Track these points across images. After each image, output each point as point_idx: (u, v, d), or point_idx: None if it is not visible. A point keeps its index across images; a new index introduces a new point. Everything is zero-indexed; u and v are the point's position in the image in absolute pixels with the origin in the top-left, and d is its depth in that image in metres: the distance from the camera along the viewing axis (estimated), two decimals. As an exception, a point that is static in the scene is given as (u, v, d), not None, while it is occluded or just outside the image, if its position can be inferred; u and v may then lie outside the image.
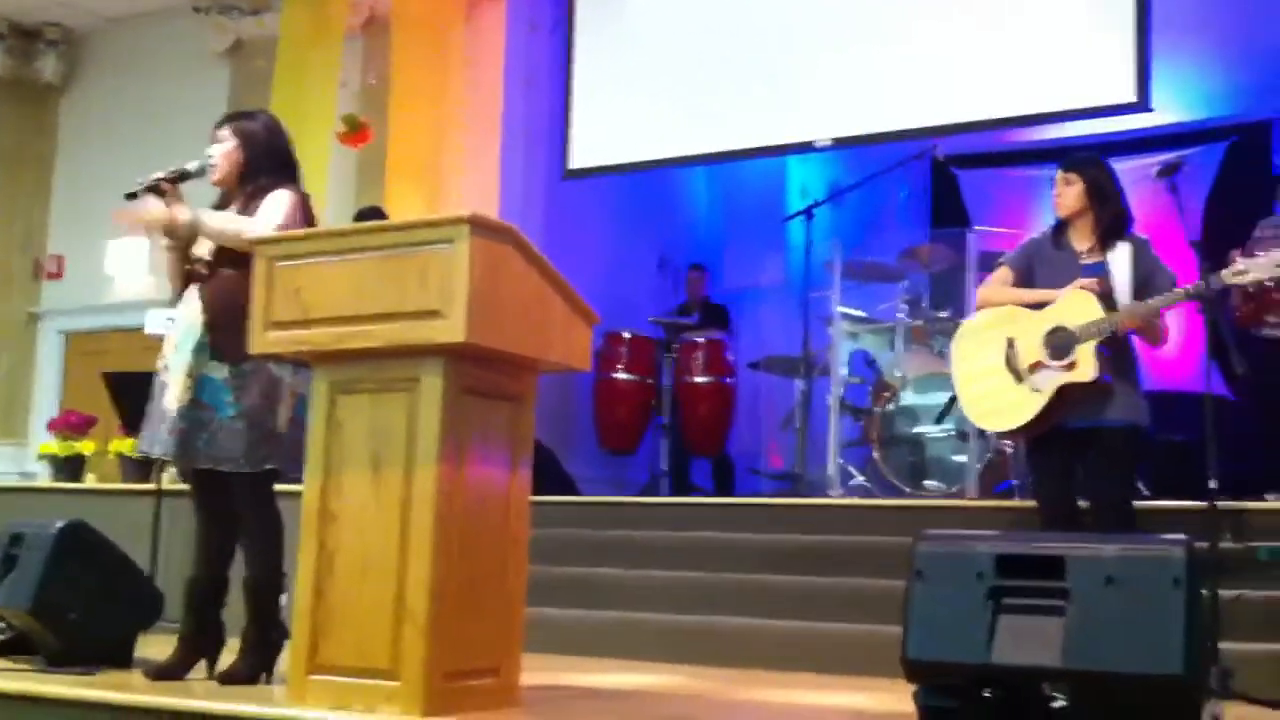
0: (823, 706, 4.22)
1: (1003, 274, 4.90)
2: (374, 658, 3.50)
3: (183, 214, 4.21)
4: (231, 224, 4.18)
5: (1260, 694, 3.96)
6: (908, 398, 6.92)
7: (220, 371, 4.13)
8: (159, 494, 6.28)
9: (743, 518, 6.18)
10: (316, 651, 3.60)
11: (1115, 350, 4.56)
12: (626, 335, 8.26)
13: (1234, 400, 6.44)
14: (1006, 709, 3.22)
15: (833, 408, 7.07)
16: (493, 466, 3.72)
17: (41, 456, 8.21)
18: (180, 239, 4.28)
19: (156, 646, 4.54)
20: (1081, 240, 4.75)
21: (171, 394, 4.15)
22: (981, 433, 6.22)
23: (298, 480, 3.81)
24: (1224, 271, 4.40)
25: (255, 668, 4.11)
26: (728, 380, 8.32)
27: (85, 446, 7.80)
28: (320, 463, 3.70)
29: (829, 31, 7.71)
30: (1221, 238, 6.20)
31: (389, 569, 3.52)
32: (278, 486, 4.24)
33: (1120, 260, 4.65)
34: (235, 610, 4.24)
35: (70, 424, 7.94)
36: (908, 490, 6.70)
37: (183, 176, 4.31)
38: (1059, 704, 3.23)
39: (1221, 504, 4.43)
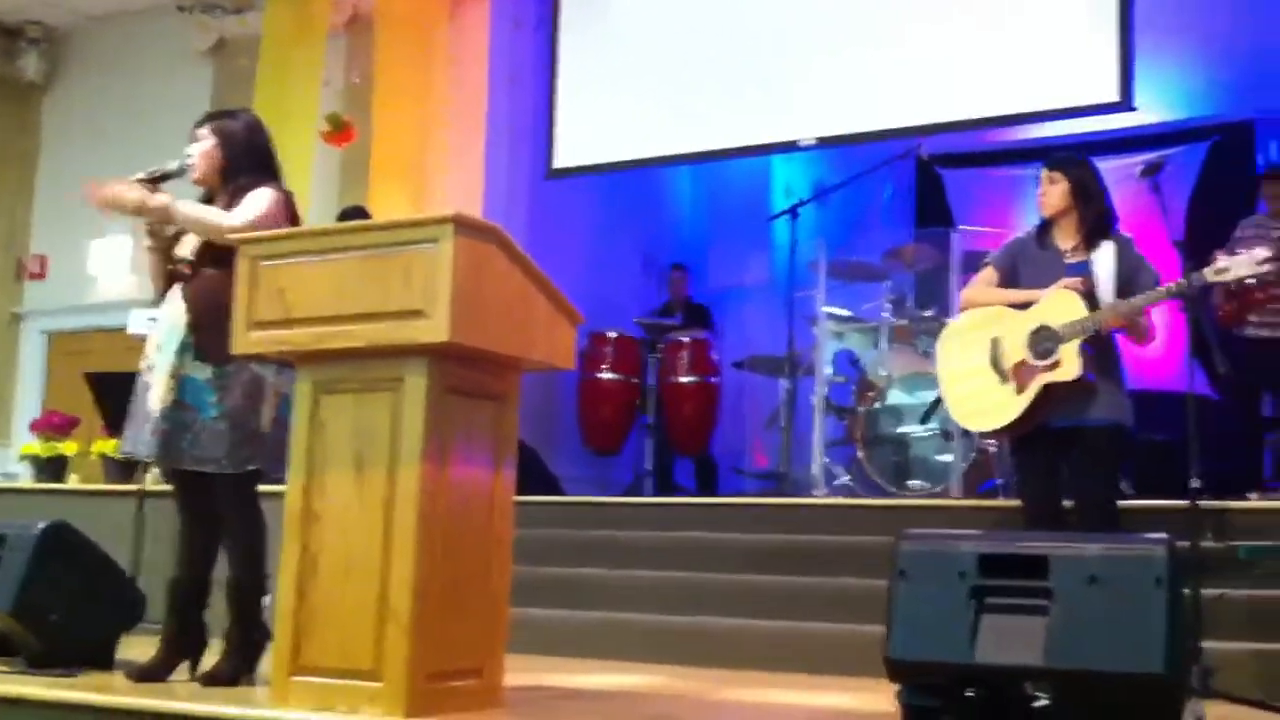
0: (807, 706, 4.22)
1: (987, 274, 4.91)
2: (357, 659, 3.49)
3: (154, 200, 4.18)
4: (206, 215, 4.16)
5: (1242, 693, 3.97)
6: (892, 397, 6.93)
7: (203, 372, 4.12)
8: (141, 495, 6.26)
9: (727, 517, 6.18)
10: (299, 652, 3.59)
11: (1099, 349, 4.56)
12: (611, 335, 8.25)
13: (1217, 399, 6.46)
14: (989, 708, 3.23)
15: (817, 407, 7.08)
16: (476, 466, 3.72)
17: (24, 457, 8.18)
18: (160, 235, 4.27)
19: (139, 648, 4.52)
20: (1066, 239, 4.76)
21: (155, 394, 4.13)
22: (965, 432, 6.23)
23: (281, 480, 3.80)
24: (1206, 269, 4.42)
25: (238, 669, 4.10)
26: (712, 380, 8.32)
27: (68, 447, 7.77)
28: (303, 463, 3.69)
29: (814, 31, 7.71)
30: (1204, 237, 6.23)
31: (372, 569, 3.51)
32: (261, 487, 4.23)
33: (1104, 259, 4.65)
34: (218, 611, 4.23)
35: (53, 425, 7.91)
36: (892, 490, 6.71)
37: (163, 177, 4.29)
38: (1041, 703, 3.24)
39: (1204, 503, 4.45)
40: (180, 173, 4.32)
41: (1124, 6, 6.79)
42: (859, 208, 9.01)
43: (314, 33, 8.67)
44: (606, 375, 8.22)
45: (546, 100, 8.57)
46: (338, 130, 8.32)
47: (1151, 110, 7.98)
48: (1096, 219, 4.73)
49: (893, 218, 9.13)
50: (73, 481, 7.71)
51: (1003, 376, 4.66)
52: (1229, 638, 4.47)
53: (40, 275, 10.61)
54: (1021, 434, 4.71)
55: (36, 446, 7.86)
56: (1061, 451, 4.62)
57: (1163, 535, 3.21)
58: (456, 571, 3.61)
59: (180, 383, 4.12)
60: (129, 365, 4.50)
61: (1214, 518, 4.89)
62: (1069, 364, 4.50)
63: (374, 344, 3.56)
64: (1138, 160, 6.37)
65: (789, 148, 8.09)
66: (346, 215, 7.21)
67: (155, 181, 4.26)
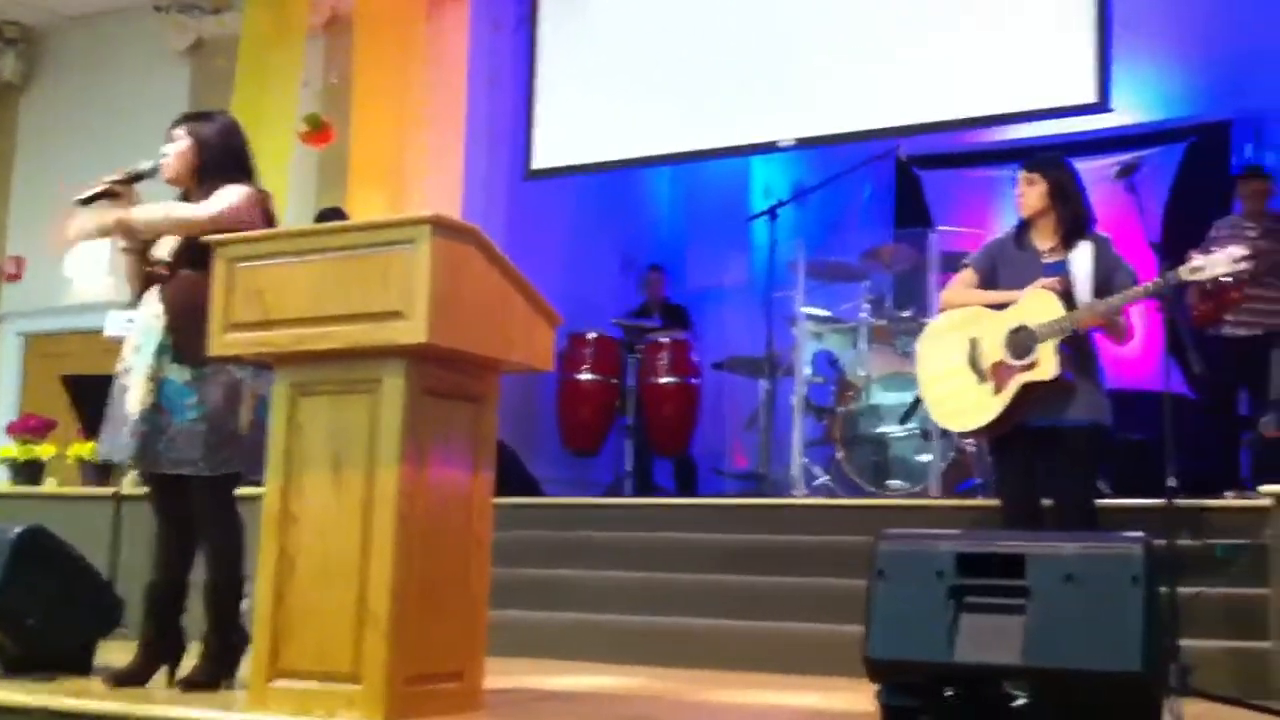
0: (786, 706, 4.23)
1: (966, 275, 4.93)
2: (335, 662, 3.48)
3: (109, 217, 4.18)
4: (171, 210, 4.15)
5: (1219, 690, 4.00)
6: (871, 397, 6.94)
7: (181, 374, 4.10)
8: (119, 498, 6.23)
9: (707, 518, 6.19)
10: (277, 656, 3.59)
11: (1076, 348, 4.58)
12: (591, 336, 8.25)
13: (1194, 399, 6.49)
14: (968, 707, 3.24)
15: (796, 408, 7.09)
16: (455, 468, 3.72)
17: (-1, 460, 8.13)
18: (135, 236, 4.26)
19: (117, 652, 4.50)
20: (1044, 240, 4.78)
21: (132, 397, 4.12)
22: (944, 432, 6.24)
23: (259, 483, 3.79)
24: (1181, 268, 4.43)
25: (216, 673, 4.08)
26: (692, 381, 8.32)
27: (44, 450, 7.72)
28: (281, 465, 3.69)
29: (793, 32, 7.72)
30: (1181, 237, 6.24)
31: (350, 572, 3.51)
32: (239, 489, 4.21)
33: (1082, 259, 4.67)
34: (196, 615, 4.21)
35: (29, 427, 7.85)
36: (871, 490, 6.72)
37: (136, 177, 4.29)
38: (1020, 702, 3.25)
39: (1180, 502, 4.47)
40: (154, 172, 4.31)
41: (1101, 8, 6.83)
42: (838, 208, 9.03)
43: (292, 33, 8.64)
44: (586, 376, 8.22)
45: (525, 101, 8.56)
46: (316, 131, 8.29)
47: (1128, 111, 8.02)
48: (1074, 220, 4.74)
49: (871, 218, 9.14)
50: (49, 485, 7.66)
51: (981, 377, 4.68)
52: (1206, 636, 4.50)
53: (16, 276, 10.54)
54: (1000, 434, 4.72)
55: (13, 449, 7.80)
56: (1040, 451, 4.64)
57: (1139, 534, 3.22)
58: (435, 573, 3.61)
59: (158, 385, 4.10)
60: (106, 367, 4.48)
61: (1191, 517, 4.91)
62: (1046, 364, 4.52)
63: (352, 345, 3.55)
64: (1115, 161, 6.38)
65: (768, 148, 8.10)
66: (324, 217, 7.19)
67: (129, 181, 4.26)
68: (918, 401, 6.09)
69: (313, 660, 3.52)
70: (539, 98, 8.50)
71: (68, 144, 9.98)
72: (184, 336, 4.08)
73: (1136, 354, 7.14)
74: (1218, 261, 4.37)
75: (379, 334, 3.51)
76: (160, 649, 4.20)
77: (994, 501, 5.06)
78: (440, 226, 3.51)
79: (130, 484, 6.07)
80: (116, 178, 4.26)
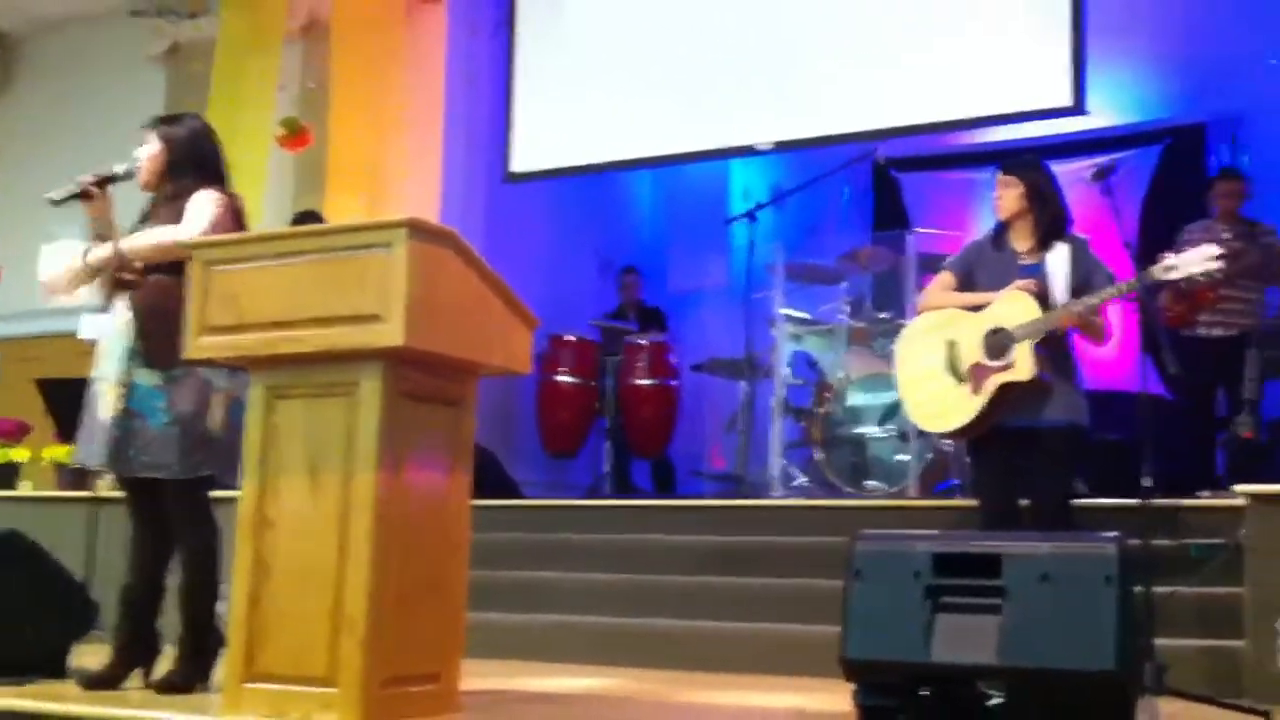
0: (764, 707, 4.23)
1: (944, 278, 4.95)
2: (311, 665, 3.47)
3: (103, 253, 4.16)
4: (160, 237, 4.12)
5: (1194, 689, 4.01)
6: (849, 399, 6.95)
7: (152, 378, 4.09)
8: (94, 502, 6.20)
9: (686, 520, 6.19)
10: (253, 660, 3.57)
11: (1053, 349, 4.60)
12: (569, 338, 8.25)
13: (1171, 399, 6.52)
14: (944, 707, 3.25)
15: (775, 409, 7.10)
16: (432, 471, 3.71)
17: (-26, 464, 8.08)
18: (107, 239, 4.25)
19: (92, 656, 4.48)
20: (1021, 242, 4.80)
21: (104, 402, 4.11)
22: (922, 432, 6.26)
23: (234, 486, 3.78)
24: (1154, 268, 4.45)
25: (191, 676, 4.07)
26: (671, 383, 8.33)
27: (19, 454, 7.69)
28: (257, 468, 3.68)
29: (771, 36, 7.73)
30: (1156, 239, 6.29)
31: (326, 576, 3.50)
32: (215, 493, 4.20)
33: (1059, 261, 4.69)
34: (172, 618, 4.20)
35: (4, 431, 7.82)
36: (850, 491, 6.73)
37: (110, 179, 4.28)
38: (995, 701, 3.26)
39: (1156, 502, 4.49)
40: (128, 176, 4.31)
41: (1076, 12, 6.86)
42: (816, 211, 9.03)
43: (269, 37, 8.62)
44: (565, 378, 8.23)
45: (504, 104, 8.56)
46: (293, 135, 8.26)
47: (1104, 114, 8.05)
48: (1051, 221, 4.76)
49: (850, 221, 9.16)
50: (24, 488, 7.64)
51: (959, 378, 4.70)
52: (1181, 635, 4.52)
53: (-9, 280, 10.48)
54: (978, 435, 4.74)
55: (-12, 453, 7.78)
56: (1017, 451, 4.65)
57: (1113, 533, 3.24)
58: (412, 577, 3.60)
59: (129, 390, 4.09)
60: (81, 371, 4.47)
61: (1167, 516, 4.93)
62: (1023, 364, 4.54)
63: (328, 349, 3.54)
64: (1091, 163, 6.41)
65: (746, 152, 8.11)
66: (299, 220, 7.18)
67: (102, 183, 4.25)
68: (897, 404, 6.11)
69: (288, 663, 3.51)
70: (517, 101, 8.50)
71: (43, 149, 9.94)
72: (153, 341, 4.07)
73: (1114, 355, 7.18)
74: (1191, 261, 4.39)
75: (356, 337, 3.50)
76: (135, 652, 4.19)
77: (972, 502, 5.08)
78: (417, 229, 3.50)
79: (106, 487, 6.05)
80: (89, 179, 4.24)
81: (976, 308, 4.73)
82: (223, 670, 3.73)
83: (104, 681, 4.09)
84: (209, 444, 4.09)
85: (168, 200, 4.24)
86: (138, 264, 4.19)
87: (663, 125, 8.01)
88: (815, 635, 4.81)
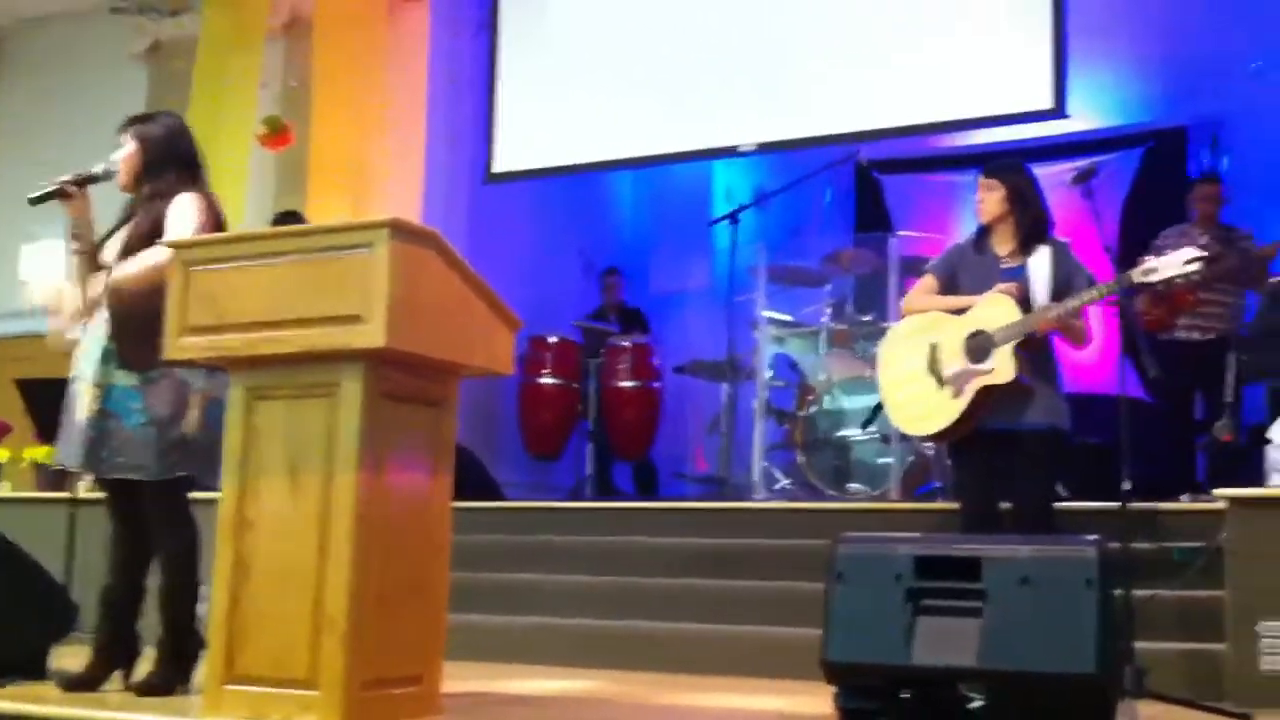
0: (746, 709, 4.23)
1: (927, 282, 4.96)
2: (292, 667, 3.46)
3: (97, 289, 4.13)
4: (151, 258, 4.07)
5: (1174, 692, 4.03)
6: (832, 401, 6.96)
7: (128, 379, 4.07)
8: (74, 503, 6.18)
9: (668, 522, 6.19)
10: (233, 661, 3.56)
11: (1033, 352, 4.61)
12: (552, 340, 8.25)
13: (1151, 403, 6.54)
14: (924, 709, 3.25)
15: (757, 411, 7.10)
16: (414, 472, 3.70)
17: (-46, 464, 8.04)
18: (85, 239, 4.25)
19: (71, 657, 4.46)
20: (1003, 245, 4.81)
21: (82, 404, 4.10)
22: (904, 435, 6.26)
23: (214, 487, 3.76)
24: (1133, 271, 4.46)
25: (171, 678, 4.05)
26: (653, 385, 8.33)
27: (-1, 454, 7.67)
28: (237, 470, 3.66)
29: (753, 37, 7.74)
30: (1137, 243, 6.31)
31: (307, 577, 3.48)
32: (195, 494, 4.18)
33: (1040, 264, 4.71)
34: (152, 620, 4.18)
35: (-15, 431, 7.79)
36: (832, 493, 6.74)
37: (88, 180, 4.27)
38: (976, 704, 3.27)
39: (1136, 505, 4.50)
40: (107, 177, 4.30)
41: (1058, 15, 6.88)
42: (799, 213, 9.05)
43: (251, 35, 8.59)
44: (547, 380, 8.22)
45: (486, 105, 8.55)
46: (275, 133, 8.23)
47: (1086, 117, 8.08)
48: (1033, 225, 4.78)
49: (832, 223, 9.17)
50: (4, 489, 7.60)
51: (940, 381, 4.70)
52: (1161, 638, 4.54)
53: (-29, 279, 10.43)
54: (959, 437, 4.75)
55: (-32, 454, 7.75)
56: (998, 454, 4.66)
57: (1093, 537, 3.25)
58: (393, 578, 3.59)
59: (105, 391, 4.07)
60: (61, 371, 4.45)
61: (1147, 520, 4.95)
62: (1003, 367, 4.55)
63: (309, 349, 3.53)
64: (1072, 167, 6.43)
65: (729, 153, 8.12)
66: (280, 220, 7.16)
67: (81, 183, 4.24)
68: (879, 407, 6.11)
69: (269, 665, 3.50)
70: (500, 101, 8.49)
71: (25, 147, 9.88)
72: (129, 342, 4.06)
73: (1094, 359, 7.20)
74: (1170, 263, 4.40)
75: (337, 338, 3.49)
76: (115, 653, 4.17)
77: (953, 505, 5.09)
78: (399, 230, 3.49)
79: (86, 488, 6.02)
80: (69, 179, 4.23)
81: (959, 311, 4.74)
82: (203, 672, 3.71)
83: (84, 683, 4.07)
84: (186, 445, 4.07)
85: (146, 200, 4.23)
86: (103, 249, 4.19)
87: (645, 126, 8.01)
88: (797, 638, 4.81)
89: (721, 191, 9.73)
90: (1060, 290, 4.64)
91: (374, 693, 3.49)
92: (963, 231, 5.26)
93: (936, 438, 5.10)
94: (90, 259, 4.25)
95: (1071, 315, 4.59)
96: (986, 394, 4.58)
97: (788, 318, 7.54)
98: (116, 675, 4.15)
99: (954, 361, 4.67)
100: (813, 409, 6.99)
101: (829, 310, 7.38)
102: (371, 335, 3.43)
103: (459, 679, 4.06)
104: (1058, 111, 6.95)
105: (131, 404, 4.06)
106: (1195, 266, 4.37)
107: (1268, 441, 4.68)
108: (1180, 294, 6.18)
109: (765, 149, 7.85)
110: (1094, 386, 7.42)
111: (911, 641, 3.24)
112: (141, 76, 9.61)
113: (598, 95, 8.16)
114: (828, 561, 3.41)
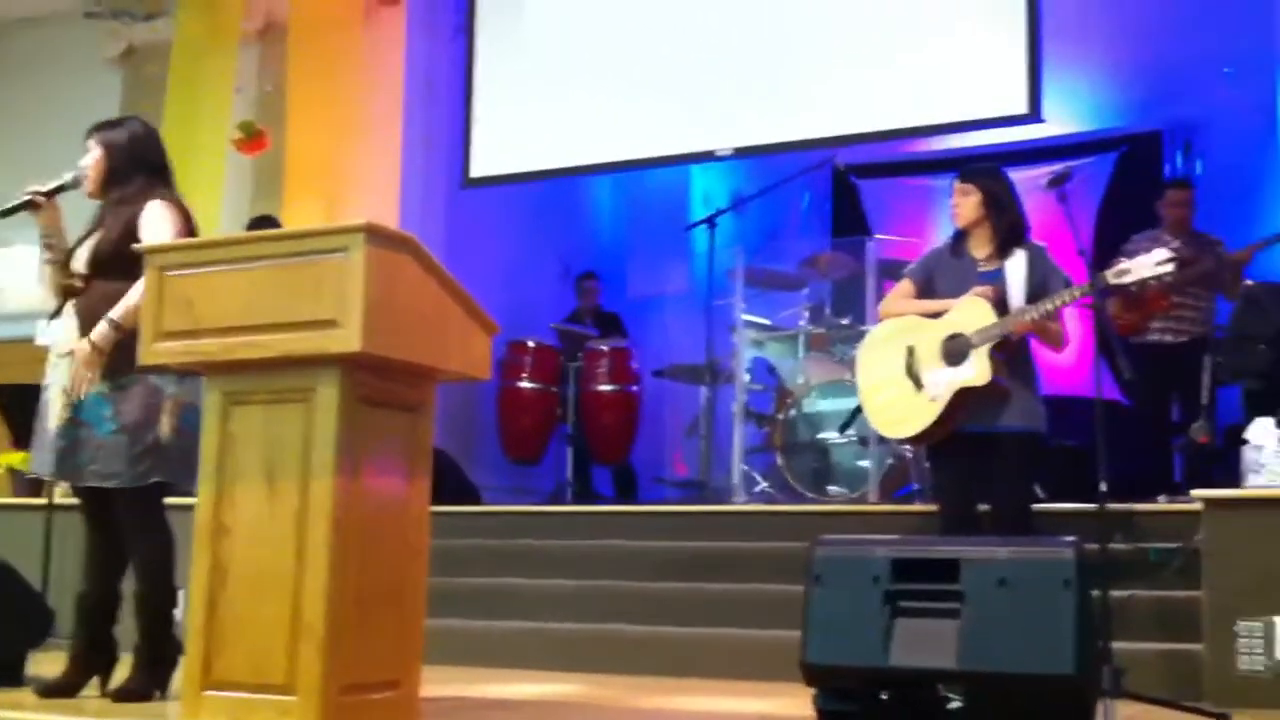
0: (726, 712, 4.24)
1: (904, 286, 4.98)
2: (269, 673, 3.45)
3: (107, 336, 4.03)
4: (133, 299, 3.99)
5: (1152, 692, 4.04)
6: (810, 404, 6.98)
7: (98, 387, 4.04)
8: (50, 509, 6.14)
9: (647, 526, 6.19)
10: (210, 667, 3.55)
11: (1010, 354, 4.63)
12: (530, 344, 8.23)
13: (1127, 405, 6.57)
14: (903, 711, 3.26)
15: (736, 415, 7.10)
16: (390, 477, 3.69)
17: (-71, 471, 7.98)
18: (57, 247, 4.25)
19: (48, 664, 4.44)
20: (980, 249, 4.83)
21: (53, 412, 4.08)
22: (883, 438, 6.27)
23: (191, 492, 3.75)
24: (1107, 272, 4.48)
25: (148, 684, 4.04)
26: (632, 388, 8.32)
27: (-26, 461, 7.60)
28: (213, 475, 3.65)
29: (730, 42, 7.74)
30: (1112, 246, 6.34)
31: (284, 583, 3.47)
32: (170, 500, 4.16)
33: (1016, 267, 4.72)
34: (129, 626, 4.16)
35: (-41, 438, 7.73)
36: (811, 496, 6.75)
37: (58, 189, 4.28)
38: (954, 705, 3.28)
39: (1113, 507, 4.52)
40: (76, 184, 4.29)
41: (1032, 20, 6.91)
42: (776, 217, 9.07)
43: (226, 40, 8.56)
44: (526, 384, 8.20)
45: (463, 109, 8.52)
46: (250, 138, 8.21)
47: (1060, 122, 8.13)
48: (1009, 229, 4.79)
49: (810, 227, 9.20)
50: (-22, 496, 7.54)
51: (918, 384, 4.72)
52: (1138, 638, 4.56)
53: (-54, 285, 10.36)
54: (937, 440, 4.76)
55: (-59, 460, 7.68)
56: (976, 457, 4.67)
57: (1070, 538, 3.26)
58: (371, 583, 3.58)
59: (76, 399, 4.05)
60: (37, 377, 4.42)
61: (1124, 521, 4.98)
62: (980, 369, 4.56)
63: (285, 354, 3.52)
64: (1046, 171, 6.46)
65: (707, 158, 8.13)
66: (255, 225, 7.14)
67: (51, 194, 4.24)
68: (858, 410, 6.12)
69: (246, 671, 3.49)
70: (477, 106, 8.47)
71: (-2, 152, 9.83)
72: None
73: (1070, 361, 7.22)
74: (1143, 264, 4.41)
75: (312, 343, 3.48)
76: (92, 660, 4.15)
77: (932, 507, 5.10)
78: (374, 234, 3.49)
79: (62, 494, 5.99)
80: (39, 189, 4.22)
81: (936, 314, 4.76)
82: (180, 678, 3.70)
83: (61, 690, 4.06)
84: (158, 451, 4.05)
85: (115, 206, 4.21)
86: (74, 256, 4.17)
87: (623, 130, 8.01)
88: (778, 640, 4.80)
89: (699, 196, 9.75)
90: (1036, 293, 4.66)
91: (352, 698, 3.48)
92: (940, 235, 5.27)
93: (915, 440, 5.12)
94: (63, 267, 4.24)
95: (1048, 317, 4.61)
96: (964, 396, 4.60)
97: (766, 321, 7.56)
98: (94, 682, 4.13)
99: (931, 364, 4.68)
100: (792, 412, 7.00)
101: (807, 314, 7.39)
102: (347, 340, 3.43)
103: (438, 684, 4.05)
104: (1033, 116, 6.98)
105: (102, 411, 4.03)
106: (1168, 267, 4.39)
107: (1244, 442, 4.70)
108: (1154, 297, 6.21)
109: (742, 153, 7.86)
110: (1070, 389, 7.43)
111: (890, 643, 3.24)
112: (116, 81, 9.55)
113: (575, 100, 8.16)
114: (806, 564, 3.41)
